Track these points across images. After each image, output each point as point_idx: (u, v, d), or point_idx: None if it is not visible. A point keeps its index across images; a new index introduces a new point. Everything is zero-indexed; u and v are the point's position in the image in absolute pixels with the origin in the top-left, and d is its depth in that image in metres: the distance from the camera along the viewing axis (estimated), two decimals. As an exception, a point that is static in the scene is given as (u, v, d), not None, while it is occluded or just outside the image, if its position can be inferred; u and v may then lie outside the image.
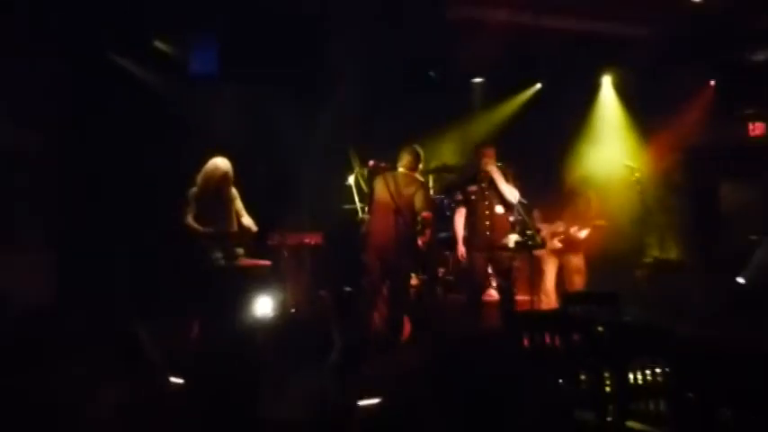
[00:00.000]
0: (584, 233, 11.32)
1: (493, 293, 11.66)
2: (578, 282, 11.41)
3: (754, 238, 12.91)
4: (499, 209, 10.60)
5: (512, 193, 10.54)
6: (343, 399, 7.60)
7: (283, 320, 10.84)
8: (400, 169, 10.25)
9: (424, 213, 10.28)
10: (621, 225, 12.48)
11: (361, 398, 7.62)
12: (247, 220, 9.95)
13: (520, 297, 11.43)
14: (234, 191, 9.91)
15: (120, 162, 10.52)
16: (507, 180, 10.65)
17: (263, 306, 10.27)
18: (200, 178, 9.77)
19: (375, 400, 7.62)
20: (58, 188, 10.14)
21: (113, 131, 10.59)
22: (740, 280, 12.14)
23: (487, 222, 10.56)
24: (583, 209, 11.46)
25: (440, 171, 12.50)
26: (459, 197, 10.75)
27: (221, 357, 8.47)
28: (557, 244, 11.33)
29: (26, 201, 9.97)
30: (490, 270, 11.27)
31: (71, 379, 7.37)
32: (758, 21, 11.28)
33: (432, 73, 13.00)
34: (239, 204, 9.93)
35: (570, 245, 11.39)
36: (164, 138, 10.91)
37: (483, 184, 10.62)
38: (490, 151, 10.70)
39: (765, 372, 5.96)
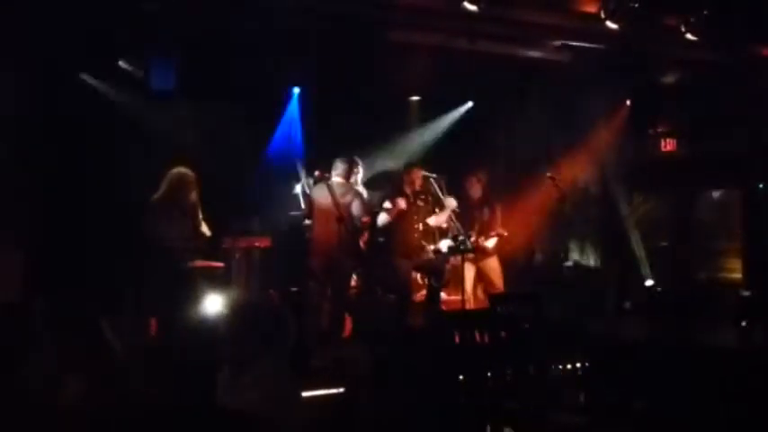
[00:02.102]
0: (491, 243, 11.49)
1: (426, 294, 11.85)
2: (497, 281, 11.61)
3: (664, 244, 13.19)
4: (431, 220, 10.93)
5: (449, 202, 10.91)
6: (290, 389, 7.68)
7: (234, 317, 10.87)
8: (335, 179, 10.35)
9: (364, 219, 10.43)
10: (545, 232, 12.67)
11: (308, 388, 7.72)
12: (204, 228, 10.03)
13: (454, 297, 11.62)
14: (195, 199, 9.97)
15: (84, 169, 10.54)
16: (441, 191, 10.91)
17: (216, 304, 10.34)
18: (163, 183, 9.84)
19: (321, 391, 7.74)
20: (25, 193, 10.09)
21: (79, 140, 10.60)
22: (648, 283, 12.39)
23: (416, 234, 10.84)
24: (488, 219, 11.63)
25: (379, 181, 12.60)
26: (388, 206, 10.89)
27: (178, 351, 8.54)
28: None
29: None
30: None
31: (35, 372, 7.39)
32: (668, 46, 11.52)
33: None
34: (199, 213, 10.00)
35: (482, 252, 11.54)
36: (126, 146, 10.95)
37: (411, 198, 10.88)
38: (419, 171, 11.02)
39: (670, 364, 6.17)
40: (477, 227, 11.59)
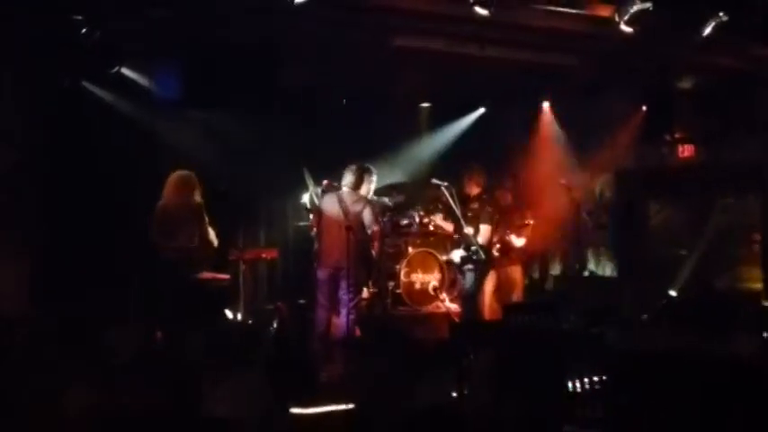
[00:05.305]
0: (520, 241, 11.44)
1: (440, 306, 11.86)
2: (518, 295, 11.57)
3: (683, 252, 13.12)
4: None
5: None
6: (297, 406, 7.73)
7: (240, 330, 10.94)
8: (345, 188, 10.38)
9: (374, 228, 10.44)
10: (559, 240, 12.65)
11: (315, 405, 7.75)
12: (211, 234, 10.05)
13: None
14: (200, 200, 10.00)
15: (88, 179, 10.61)
16: (453, 199, 10.94)
17: (223, 317, 10.39)
18: (165, 188, 9.92)
19: (329, 407, 7.76)
20: (28, 203, 10.16)
21: (82, 149, 10.68)
22: (671, 293, 12.35)
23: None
24: (517, 221, 11.60)
25: (388, 191, 12.58)
26: (470, 214, 11.09)
27: (182, 364, 8.61)
28: (494, 253, 11.42)
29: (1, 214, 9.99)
30: (437, 284, 11.73)
31: (42, 381, 7.52)
32: (684, 51, 11.51)
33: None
34: (205, 216, 10.01)
35: (507, 254, 11.50)
36: (132, 156, 11.01)
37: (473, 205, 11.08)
38: (470, 172, 11.21)
39: (689, 377, 6.17)
40: (505, 227, 11.57)
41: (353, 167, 10.57)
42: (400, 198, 12.71)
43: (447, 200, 11.26)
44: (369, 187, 11.01)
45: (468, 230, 10.95)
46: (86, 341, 9.01)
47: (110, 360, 9.31)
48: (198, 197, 10.05)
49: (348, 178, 10.48)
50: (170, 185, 10.05)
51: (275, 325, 10.91)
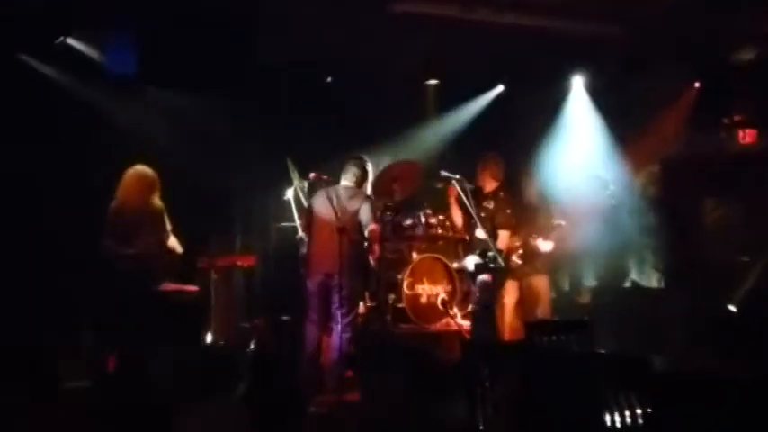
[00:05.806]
0: (548, 246, 11.29)
1: (450, 323, 11.75)
2: (543, 310, 11.45)
3: (745, 259, 12.97)
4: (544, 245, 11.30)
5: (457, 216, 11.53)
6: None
7: (212, 352, 10.86)
8: (344, 183, 10.25)
9: (372, 226, 10.24)
10: (594, 245, 12.52)
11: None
12: (172, 241, 9.91)
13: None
14: (160, 204, 9.83)
15: (27, 172, 10.50)
16: (467, 196, 10.79)
17: (191, 336, 10.29)
18: (119, 190, 9.74)
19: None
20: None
21: (21, 137, 10.58)
22: (731, 307, 12.23)
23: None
24: (544, 222, 11.48)
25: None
26: (483, 214, 10.97)
27: (143, 394, 8.54)
28: (516, 260, 11.30)
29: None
30: (446, 297, 11.59)
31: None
32: (744, 16, 11.41)
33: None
34: (166, 221, 9.86)
35: (531, 261, 11.39)
36: (79, 144, 10.89)
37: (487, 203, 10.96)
38: (484, 164, 11.07)
39: (757, 410, 6.05)
40: (529, 230, 11.42)
41: (355, 160, 10.45)
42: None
43: (459, 196, 11.13)
44: (366, 182, 10.93)
45: (481, 233, 10.83)
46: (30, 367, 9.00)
47: (55, 389, 9.25)
48: (157, 201, 9.88)
49: (350, 172, 10.34)
50: (126, 184, 9.79)
51: (253, 346, 10.83)
